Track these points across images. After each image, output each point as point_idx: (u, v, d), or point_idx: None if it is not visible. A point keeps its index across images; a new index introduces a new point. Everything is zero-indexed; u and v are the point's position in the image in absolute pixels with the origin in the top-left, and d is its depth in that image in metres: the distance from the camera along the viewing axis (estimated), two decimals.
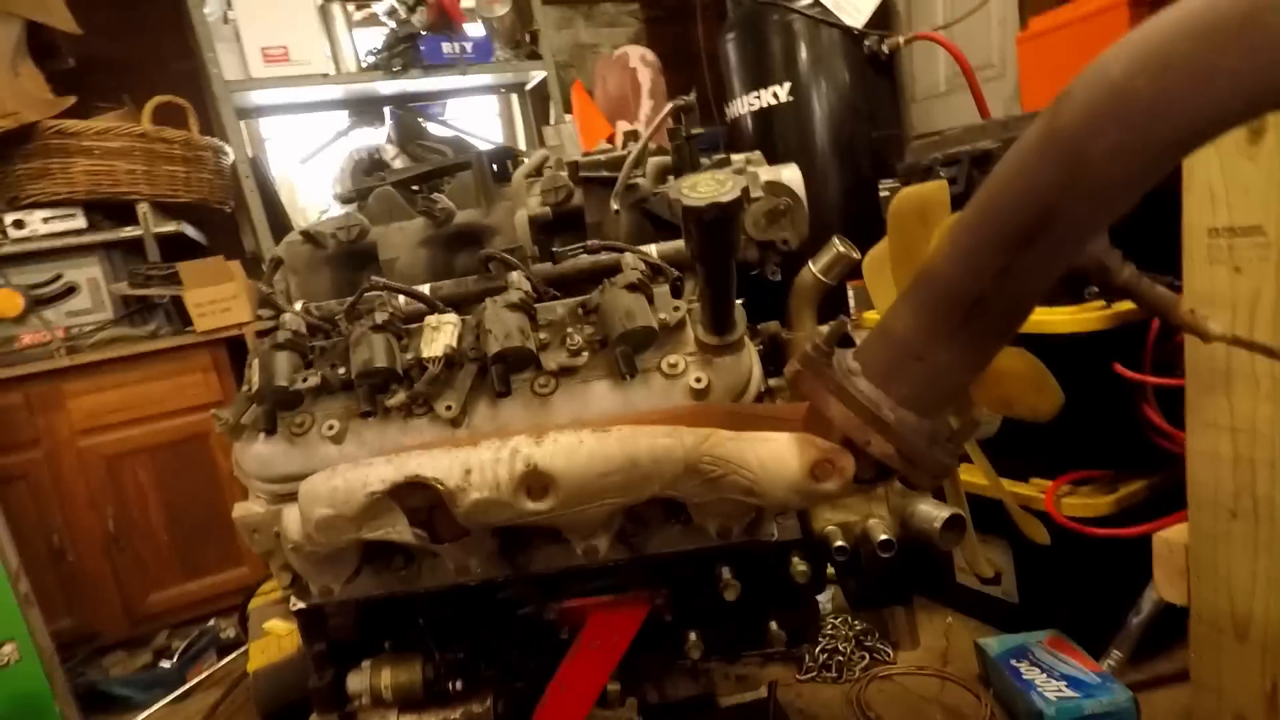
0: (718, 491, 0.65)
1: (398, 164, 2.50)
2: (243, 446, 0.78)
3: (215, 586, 2.04)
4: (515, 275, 0.81)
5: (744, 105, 2.64)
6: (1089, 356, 1.33)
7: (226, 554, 2.02)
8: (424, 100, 3.02)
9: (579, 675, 0.88)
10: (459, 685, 0.87)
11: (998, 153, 1.53)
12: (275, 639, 1.45)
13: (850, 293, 2.13)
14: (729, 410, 0.70)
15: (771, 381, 0.86)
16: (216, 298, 2.00)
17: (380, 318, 0.78)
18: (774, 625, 0.93)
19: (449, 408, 0.75)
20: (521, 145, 3.29)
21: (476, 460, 0.64)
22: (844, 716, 1.44)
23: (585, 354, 0.77)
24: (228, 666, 1.91)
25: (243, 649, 1.73)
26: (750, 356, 0.79)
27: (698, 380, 0.74)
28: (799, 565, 0.83)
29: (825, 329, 0.80)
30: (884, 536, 0.78)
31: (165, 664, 1.93)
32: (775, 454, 0.60)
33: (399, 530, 0.67)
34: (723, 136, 2.81)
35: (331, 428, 0.76)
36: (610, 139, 2.81)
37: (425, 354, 0.76)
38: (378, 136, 2.92)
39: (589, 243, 0.84)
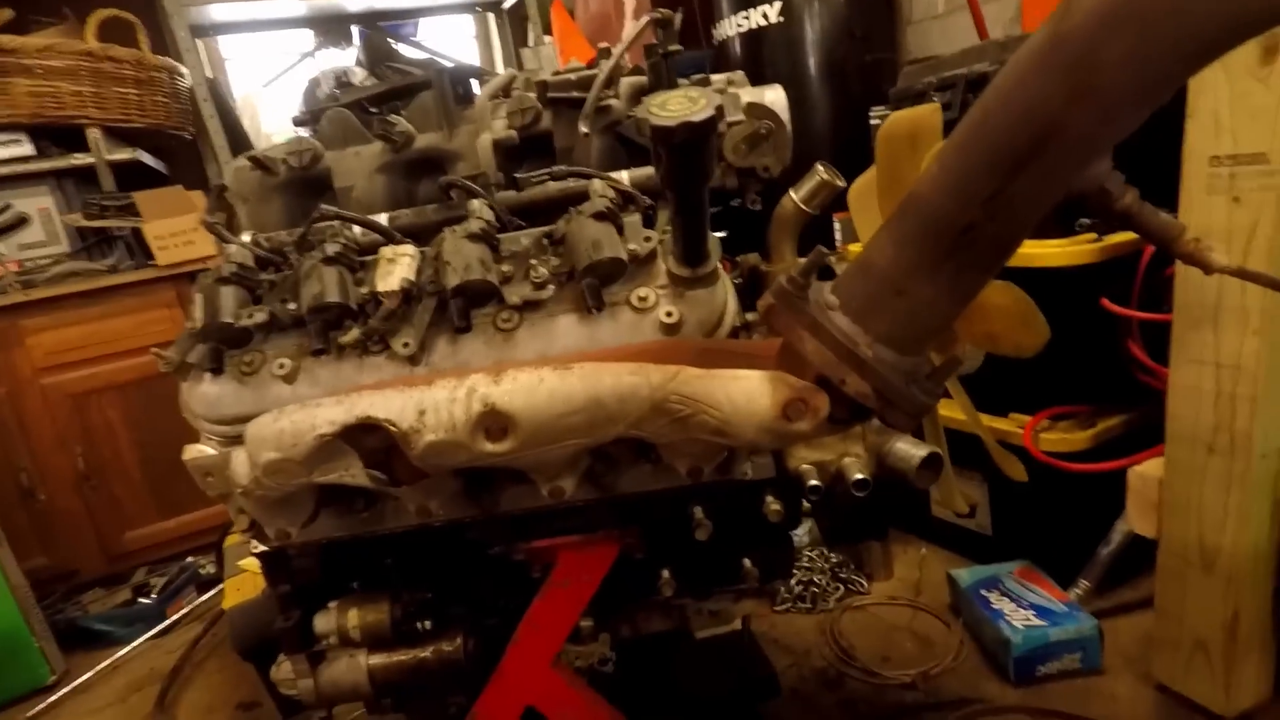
0: (686, 431, 0.62)
1: None
2: (190, 387, 0.74)
3: (192, 524, 2.03)
4: (477, 204, 0.76)
5: (732, 26, 2.51)
6: (1076, 290, 1.31)
7: (201, 491, 2.00)
8: (394, 19, 2.85)
9: (550, 613, 0.87)
10: (428, 624, 0.86)
11: (994, 76, 1.46)
12: (250, 576, 1.44)
13: (836, 225, 2.08)
14: (699, 346, 0.66)
15: (749, 315, 0.82)
16: (178, 229, 1.91)
17: (332, 249, 0.73)
18: (747, 563, 0.92)
19: (406, 345, 0.71)
20: (499, 69, 3.13)
21: (431, 400, 0.61)
22: (816, 645, 1.46)
23: (550, 287, 0.72)
24: (208, 602, 1.92)
25: (221, 586, 1.73)
26: (724, 289, 0.75)
27: (668, 314, 0.70)
28: (773, 504, 0.82)
29: (803, 261, 0.76)
30: (859, 476, 0.76)
31: (145, 600, 1.93)
32: (746, 392, 0.57)
33: (353, 473, 0.64)
34: (710, 60, 2.69)
35: (282, 366, 0.72)
36: (590, 62, 2.68)
37: (380, 288, 0.71)
38: (346, 58, 2.76)
39: (555, 169, 0.79)
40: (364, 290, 0.73)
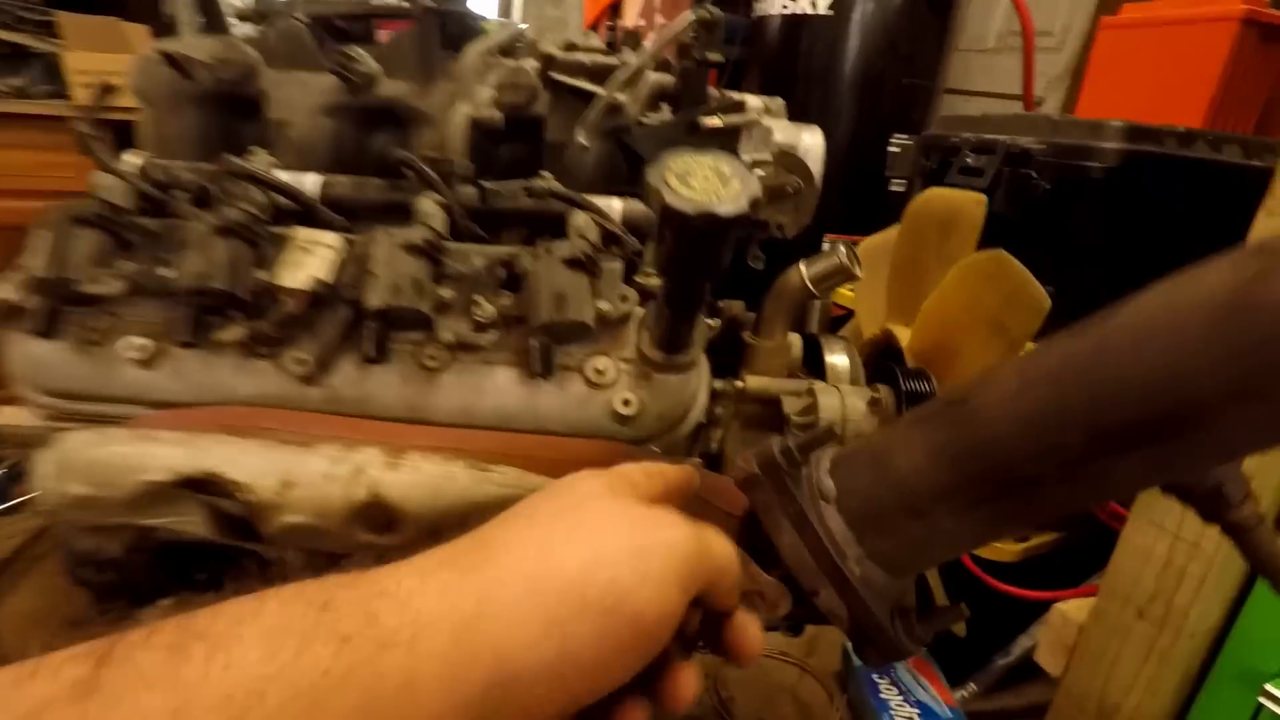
0: None
1: None
2: (13, 340, 0.58)
3: None
4: (427, 204, 0.61)
5: (775, 5, 2.31)
6: None
7: None
8: None
9: None
10: None
11: (1040, 155, 1.34)
12: None
13: (825, 245, 1.97)
14: None
15: (717, 384, 0.70)
16: (104, 68, 1.65)
17: (233, 215, 0.58)
18: None
19: (301, 362, 0.57)
20: (516, 14, 2.84)
21: (304, 472, 0.47)
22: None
23: (494, 331, 0.59)
24: None
25: None
26: (699, 380, 0.63)
27: (625, 403, 0.58)
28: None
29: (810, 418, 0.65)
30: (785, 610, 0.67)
31: None
32: None
33: (190, 523, 0.50)
34: (747, 31, 2.49)
35: (140, 349, 0.57)
36: (612, 12, 2.43)
37: (283, 283, 0.57)
38: None
39: (534, 184, 0.64)
40: (263, 275, 0.58)
